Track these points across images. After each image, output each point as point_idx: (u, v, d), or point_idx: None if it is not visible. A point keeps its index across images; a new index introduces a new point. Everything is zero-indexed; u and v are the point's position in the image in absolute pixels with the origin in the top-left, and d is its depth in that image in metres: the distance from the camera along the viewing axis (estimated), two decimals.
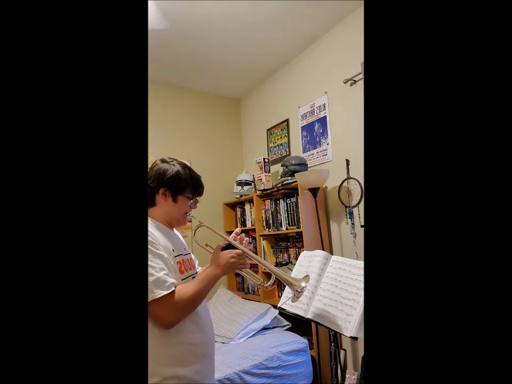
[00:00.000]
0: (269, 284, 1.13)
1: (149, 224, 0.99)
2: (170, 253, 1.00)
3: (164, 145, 2.90)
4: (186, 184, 1.07)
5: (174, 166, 1.08)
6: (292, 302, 1.11)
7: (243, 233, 1.12)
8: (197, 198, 1.12)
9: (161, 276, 0.90)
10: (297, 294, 1.03)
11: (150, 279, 0.88)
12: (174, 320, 0.91)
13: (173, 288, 0.91)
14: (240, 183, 2.97)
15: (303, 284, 1.02)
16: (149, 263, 0.89)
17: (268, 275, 2.68)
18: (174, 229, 1.15)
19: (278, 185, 2.45)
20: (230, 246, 1.04)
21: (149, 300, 0.86)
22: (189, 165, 1.15)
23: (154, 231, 1.00)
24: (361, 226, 2.13)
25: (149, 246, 0.91)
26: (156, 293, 0.87)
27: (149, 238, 0.93)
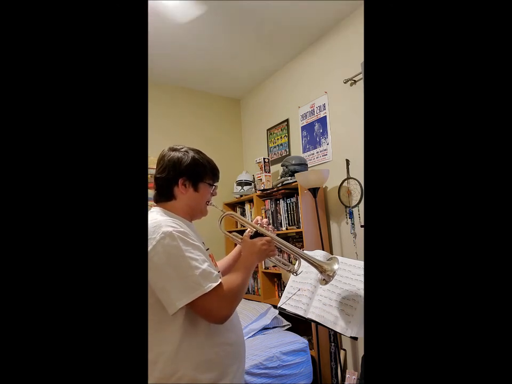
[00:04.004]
0: (296, 269, 1.11)
1: (173, 218, 0.93)
2: (202, 245, 0.94)
3: (164, 145, 2.89)
4: (205, 170, 1.00)
5: (188, 152, 0.99)
6: (321, 284, 1.11)
7: (265, 219, 1.08)
8: (216, 184, 1.05)
9: (206, 268, 0.84)
10: (328, 278, 1.02)
11: (196, 272, 0.82)
12: (227, 313, 0.85)
13: (220, 280, 0.86)
14: (240, 183, 2.96)
15: (335, 267, 1.01)
16: (190, 255, 0.84)
17: (267, 275, 2.68)
18: None
19: (278, 185, 2.45)
20: (256, 234, 1.02)
21: (199, 294, 0.80)
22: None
23: (182, 224, 0.93)
24: (361, 226, 2.13)
25: (185, 238, 0.86)
26: (205, 286, 0.81)
27: (182, 230, 0.87)
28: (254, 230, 1.03)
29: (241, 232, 1.22)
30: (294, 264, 1.09)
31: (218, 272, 0.99)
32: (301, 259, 1.06)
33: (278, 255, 1.08)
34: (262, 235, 1.01)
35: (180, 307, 0.80)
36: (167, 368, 0.84)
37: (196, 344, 0.86)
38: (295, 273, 1.10)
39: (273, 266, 2.41)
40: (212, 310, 0.83)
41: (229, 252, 1.22)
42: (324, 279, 1.03)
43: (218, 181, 1.06)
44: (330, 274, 1.00)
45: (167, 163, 0.97)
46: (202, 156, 1.02)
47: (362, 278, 1.09)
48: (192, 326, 0.86)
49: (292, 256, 1.09)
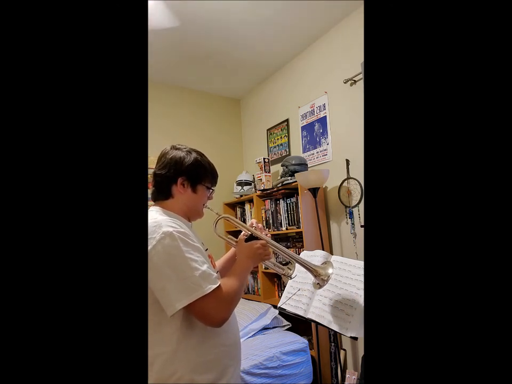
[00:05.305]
0: (291, 273, 1.10)
1: (173, 218, 0.93)
2: (202, 246, 0.93)
3: (164, 145, 2.89)
4: (205, 173, 1.00)
5: (191, 153, 0.99)
6: (315, 288, 1.11)
7: (260, 224, 1.07)
8: (213, 188, 1.05)
9: (206, 270, 0.84)
10: (323, 282, 1.01)
11: (196, 273, 0.81)
12: (225, 316, 0.84)
13: (219, 282, 0.85)
14: (240, 183, 2.96)
15: (329, 271, 1.01)
16: (190, 256, 0.83)
17: (267, 275, 2.68)
18: None
19: (278, 185, 2.45)
20: (251, 237, 1.01)
21: (198, 296, 0.80)
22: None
23: (181, 224, 0.92)
24: (361, 226, 2.13)
25: (186, 239, 0.85)
26: (205, 287, 0.80)
27: (182, 230, 0.87)
28: (249, 232, 1.03)
29: (241, 232, 1.21)
30: (291, 269, 1.09)
31: (217, 273, 0.99)
32: (296, 263, 1.06)
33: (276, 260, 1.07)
34: (257, 238, 1.01)
35: (179, 308, 0.79)
36: (165, 369, 0.84)
37: (193, 345, 0.86)
38: (290, 277, 1.10)
39: None
40: (210, 312, 0.82)
41: None
42: (317, 283, 1.03)
43: (215, 186, 1.06)
44: (325, 279, 1.00)
45: (168, 160, 0.97)
46: (204, 158, 1.02)
47: (362, 278, 1.09)
48: (190, 327, 0.86)
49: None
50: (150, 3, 1.95)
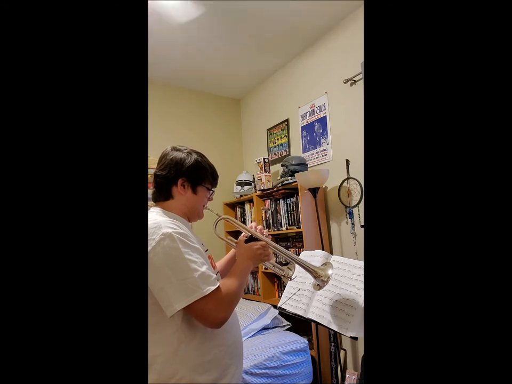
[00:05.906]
0: (291, 274, 1.10)
1: (173, 219, 0.93)
2: (201, 247, 0.94)
3: (164, 145, 2.88)
4: (206, 174, 1.00)
5: (191, 154, 0.99)
6: (315, 289, 1.11)
7: (260, 226, 1.08)
8: (213, 190, 1.05)
9: (205, 271, 0.84)
10: (323, 283, 1.01)
11: (195, 274, 0.81)
12: (225, 316, 0.85)
13: (218, 283, 0.86)
14: (240, 183, 2.96)
15: (329, 272, 1.01)
16: (189, 257, 0.83)
17: (267, 275, 2.68)
18: None
19: (278, 185, 2.45)
20: (251, 238, 1.01)
21: (197, 297, 0.80)
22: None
23: (181, 225, 0.92)
24: (361, 226, 2.13)
25: (185, 240, 0.85)
26: (204, 289, 0.81)
27: (182, 231, 0.87)
28: (249, 233, 1.03)
29: (241, 232, 1.21)
30: (291, 269, 1.10)
31: (217, 273, 0.99)
32: (296, 264, 1.06)
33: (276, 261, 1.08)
34: (257, 239, 1.01)
35: (178, 309, 0.80)
36: (165, 370, 0.84)
37: (193, 345, 0.86)
38: (290, 278, 1.10)
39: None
40: (209, 313, 0.82)
41: None
42: (317, 284, 1.03)
43: (216, 187, 1.06)
44: (325, 280, 1.00)
45: (169, 162, 0.97)
46: (205, 160, 1.02)
47: (362, 278, 1.09)
48: (190, 328, 0.86)
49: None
50: (153, 3, 1.96)
